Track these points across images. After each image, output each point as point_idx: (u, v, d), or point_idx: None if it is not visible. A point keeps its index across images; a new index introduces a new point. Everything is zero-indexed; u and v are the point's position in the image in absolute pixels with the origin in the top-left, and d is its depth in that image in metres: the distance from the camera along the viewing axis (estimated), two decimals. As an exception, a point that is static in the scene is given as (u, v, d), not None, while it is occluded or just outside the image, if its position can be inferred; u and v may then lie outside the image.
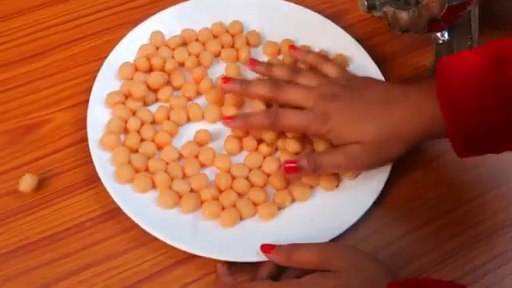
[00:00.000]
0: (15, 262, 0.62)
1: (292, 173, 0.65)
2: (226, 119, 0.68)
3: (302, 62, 0.74)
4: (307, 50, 0.75)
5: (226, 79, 0.70)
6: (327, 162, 0.65)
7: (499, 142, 0.61)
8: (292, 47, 0.75)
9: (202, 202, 0.65)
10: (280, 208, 0.66)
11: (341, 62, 0.75)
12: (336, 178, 0.68)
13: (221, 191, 0.66)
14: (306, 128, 0.66)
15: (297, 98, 0.67)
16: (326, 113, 0.65)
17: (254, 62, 0.72)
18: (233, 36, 0.78)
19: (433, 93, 0.61)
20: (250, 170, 0.68)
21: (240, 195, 0.66)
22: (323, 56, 0.74)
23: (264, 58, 0.77)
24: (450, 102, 0.60)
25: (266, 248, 0.61)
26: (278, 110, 0.67)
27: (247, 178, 0.67)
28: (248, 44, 0.78)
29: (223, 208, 0.65)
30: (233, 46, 0.78)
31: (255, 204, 0.66)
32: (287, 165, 0.65)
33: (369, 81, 0.70)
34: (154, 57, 0.74)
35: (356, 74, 0.72)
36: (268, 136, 0.69)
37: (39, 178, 0.66)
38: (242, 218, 0.65)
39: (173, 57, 0.75)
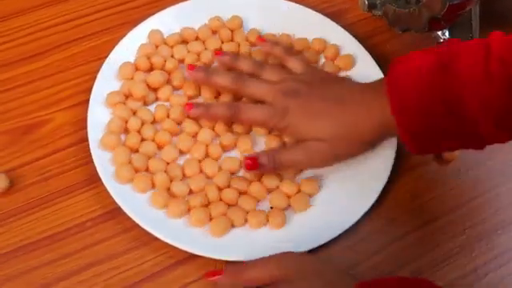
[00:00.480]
0: (16, 262, 0.62)
1: (252, 169, 0.66)
2: (188, 106, 0.69)
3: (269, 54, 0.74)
4: (274, 42, 0.75)
5: (191, 66, 0.71)
6: (287, 159, 0.66)
7: (448, 141, 0.61)
8: (259, 38, 0.75)
9: (189, 209, 0.65)
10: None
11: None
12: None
13: (210, 201, 0.66)
14: (265, 122, 0.67)
15: (258, 92, 0.68)
16: (285, 108, 0.66)
17: (219, 53, 0.73)
18: (232, 31, 0.78)
19: (385, 94, 0.61)
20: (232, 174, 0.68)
21: (230, 205, 0.66)
22: (289, 50, 0.74)
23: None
24: (398, 101, 0.60)
25: (209, 274, 0.60)
26: (239, 104, 0.69)
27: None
28: (247, 41, 0.78)
29: (211, 216, 0.65)
30: (232, 40, 0.77)
31: (246, 212, 0.66)
32: (247, 161, 0.65)
33: (331, 78, 0.71)
34: (154, 56, 0.74)
35: (321, 70, 0.73)
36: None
37: (10, 179, 0.66)
38: (233, 226, 0.65)
39: (172, 55, 0.75)
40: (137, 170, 0.66)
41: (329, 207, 0.67)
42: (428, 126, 0.60)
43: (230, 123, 0.70)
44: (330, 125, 0.65)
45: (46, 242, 0.63)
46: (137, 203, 0.64)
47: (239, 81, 0.69)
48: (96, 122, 0.69)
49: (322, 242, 0.64)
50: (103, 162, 0.66)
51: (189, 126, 0.70)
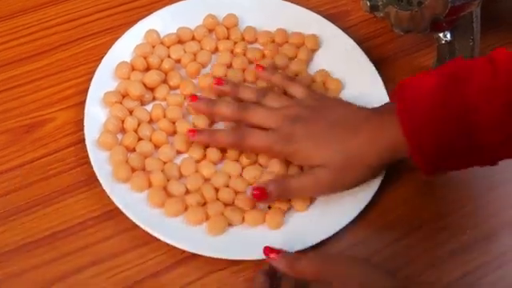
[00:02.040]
0: (17, 261, 0.62)
1: (261, 199, 0.65)
2: (191, 132, 0.68)
3: (269, 83, 0.73)
4: (274, 70, 0.74)
5: (193, 97, 0.70)
6: (295, 186, 0.65)
7: (460, 160, 0.62)
8: (259, 66, 0.74)
9: (186, 207, 0.65)
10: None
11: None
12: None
13: (206, 200, 0.66)
14: (269, 149, 0.66)
15: (262, 119, 0.67)
16: (290, 134, 0.65)
17: (220, 81, 0.71)
18: (228, 29, 0.78)
19: (393, 115, 0.61)
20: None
21: (226, 204, 0.66)
22: (289, 77, 0.73)
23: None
24: (410, 123, 0.60)
25: (268, 251, 0.60)
26: (244, 130, 0.67)
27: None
28: (244, 40, 0.78)
29: (207, 216, 0.65)
30: (228, 38, 0.77)
31: (243, 211, 0.66)
32: (256, 192, 0.64)
33: (336, 102, 0.70)
34: (151, 56, 0.74)
35: (324, 95, 0.72)
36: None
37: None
38: (230, 225, 0.65)
39: (169, 55, 0.75)
40: (134, 170, 0.66)
41: (325, 207, 0.67)
42: (441, 146, 0.60)
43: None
44: (337, 152, 0.64)
45: (47, 241, 0.63)
46: (134, 203, 0.64)
47: (243, 110, 0.68)
48: (93, 121, 0.69)
49: (318, 240, 0.64)
50: (100, 162, 0.66)
51: (185, 126, 0.70)
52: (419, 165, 0.62)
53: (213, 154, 0.68)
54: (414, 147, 0.61)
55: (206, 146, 0.68)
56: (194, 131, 0.68)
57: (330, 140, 0.65)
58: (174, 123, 0.70)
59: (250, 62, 0.76)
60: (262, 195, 0.64)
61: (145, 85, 0.72)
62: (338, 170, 0.64)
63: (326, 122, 0.66)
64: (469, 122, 0.58)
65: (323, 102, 0.69)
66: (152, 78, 0.72)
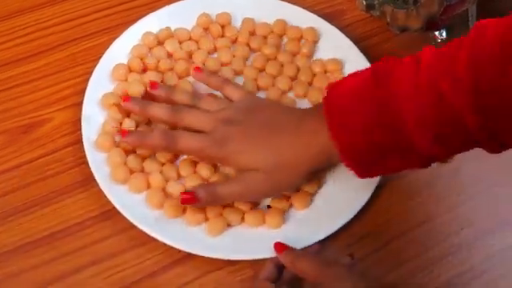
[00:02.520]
0: (16, 261, 0.62)
1: (189, 203, 0.64)
2: (123, 133, 0.66)
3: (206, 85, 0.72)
4: (211, 73, 0.73)
5: (126, 98, 0.68)
6: (224, 192, 0.64)
7: (387, 162, 0.60)
8: (197, 69, 0.72)
9: (185, 208, 0.65)
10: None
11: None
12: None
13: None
14: (202, 151, 0.65)
15: (195, 122, 0.66)
16: (223, 138, 0.64)
17: (154, 86, 0.69)
18: (223, 27, 0.78)
19: (323, 120, 0.60)
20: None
21: (225, 205, 0.66)
22: (226, 79, 0.72)
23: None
24: (336, 124, 0.60)
25: (278, 247, 0.62)
26: (176, 133, 0.66)
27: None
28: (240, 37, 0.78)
29: (206, 216, 0.65)
30: (223, 36, 0.78)
31: (242, 211, 0.66)
32: (184, 196, 0.63)
33: (270, 105, 0.69)
34: (147, 57, 0.74)
35: (260, 98, 0.71)
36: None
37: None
38: (229, 225, 0.65)
39: (167, 55, 0.75)
40: (132, 171, 0.66)
41: (323, 207, 0.67)
42: (368, 145, 0.59)
43: None
44: (268, 155, 0.63)
45: (45, 241, 0.63)
46: (132, 204, 0.65)
47: (176, 112, 0.66)
48: (90, 122, 0.69)
49: (315, 241, 0.64)
50: (98, 162, 0.66)
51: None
52: (349, 167, 0.61)
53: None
54: (342, 149, 0.60)
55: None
56: (125, 132, 0.66)
57: (263, 144, 0.64)
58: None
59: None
60: (190, 200, 0.63)
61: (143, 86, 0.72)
62: (270, 175, 0.63)
63: (259, 125, 0.65)
64: (394, 121, 0.57)
65: (258, 105, 0.68)
66: (150, 78, 0.72)
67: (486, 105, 0.54)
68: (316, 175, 0.67)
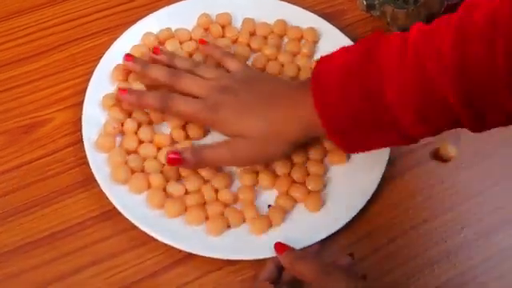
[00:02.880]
0: (16, 261, 0.62)
1: (175, 164, 0.65)
2: (121, 91, 0.69)
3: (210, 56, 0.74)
4: (215, 46, 0.75)
5: (128, 57, 0.71)
6: (210, 156, 0.65)
7: (371, 137, 0.61)
8: (201, 40, 0.75)
9: (186, 208, 0.65)
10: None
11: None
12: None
13: (206, 200, 0.66)
14: (194, 116, 0.67)
15: (191, 86, 0.67)
16: (217, 103, 0.65)
17: (157, 50, 0.72)
18: (223, 27, 0.78)
19: (310, 91, 0.61)
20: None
21: (226, 205, 0.66)
22: (228, 53, 0.74)
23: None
24: (320, 95, 0.60)
25: (278, 247, 0.62)
26: (171, 95, 0.67)
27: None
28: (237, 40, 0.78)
29: (207, 216, 0.65)
30: (224, 36, 0.78)
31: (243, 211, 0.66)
32: (171, 155, 0.65)
33: (267, 77, 0.71)
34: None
35: (257, 71, 0.73)
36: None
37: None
38: (230, 226, 0.65)
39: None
40: (132, 171, 0.66)
41: (324, 207, 0.67)
42: (350, 117, 0.59)
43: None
44: (257, 122, 0.64)
45: (46, 241, 0.63)
46: (133, 204, 0.65)
47: (174, 75, 0.69)
48: (91, 122, 0.69)
49: (319, 239, 0.64)
50: (98, 162, 0.66)
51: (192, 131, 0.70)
52: (333, 140, 0.61)
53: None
54: (326, 120, 0.60)
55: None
56: (125, 90, 0.69)
57: (254, 112, 0.65)
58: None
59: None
60: (176, 161, 0.65)
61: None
62: (257, 142, 0.64)
63: (253, 94, 0.66)
64: (377, 96, 0.57)
65: (254, 77, 0.70)
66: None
67: (471, 83, 0.54)
68: (296, 147, 0.67)
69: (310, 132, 0.64)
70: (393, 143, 0.62)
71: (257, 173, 0.68)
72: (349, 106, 0.59)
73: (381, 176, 0.68)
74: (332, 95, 0.59)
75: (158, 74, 0.69)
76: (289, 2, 0.81)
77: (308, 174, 0.68)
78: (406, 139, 0.60)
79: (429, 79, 0.55)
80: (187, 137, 0.70)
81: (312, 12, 0.80)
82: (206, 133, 0.70)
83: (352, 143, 0.62)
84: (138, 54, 0.74)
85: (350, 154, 0.64)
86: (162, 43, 0.76)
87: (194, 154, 0.65)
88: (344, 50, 0.62)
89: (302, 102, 0.62)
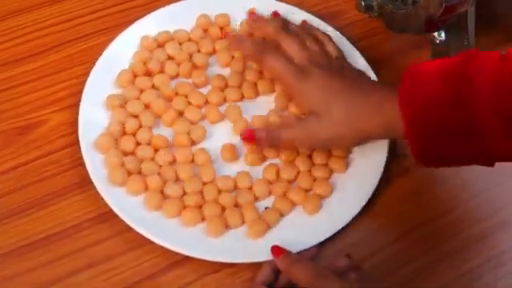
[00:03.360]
0: (11, 263, 0.62)
1: (249, 142, 0.67)
2: (224, 34, 0.74)
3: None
4: (317, 28, 0.76)
5: (252, 13, 0.76)
6: (286, 136, 0.66)
7: (450, 148, 0.59)
8: (304, 22, 0.77)
9: (184, 208, 0.65)
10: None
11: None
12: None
13: (204, 201, 0.66)
14: (282, 76, 0.68)
15: (292, 48, 0.69)
16: (307, 73, 0.66)
17: (252, 14, 0.76)
18: (221, 28, 0.77)
19: (397, 94, 0.61)
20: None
21: (224, 208, 0.66)
22: (328, 36, 0.75)
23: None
24: (407, 98, 0.60)
25: (275, 251, 0.62)
26: (269, 48, 0.69)
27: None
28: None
29: (203, 217, 0.64)
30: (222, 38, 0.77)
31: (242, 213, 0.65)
32: (246, 134, 0.66)
33: (357, 70, 0.71)
34: (150, 61, 0.74)
35: (351, 64, 0.73)
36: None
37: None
38: (229, 227, 0.65)
39: (168, 56, 0.75)
40: (129, 173, 0.66)
41: (323, 209, 0.67)
42: (436, 123, 0.58)
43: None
44: (341, 104, 0.64)
45: (42, 243, 0.63)
46: (130, 206, 0.64)
47: (281, 32, 0.70)
48: (87, 123, 0.68)
49: (317, 242, 0.64)
50: (95, 164, 0.66)
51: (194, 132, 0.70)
52: (411, 144, 0.60)
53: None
54: (408, 122, 0.59)
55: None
56: (226, 33, 0.74)
57: (341, 94, 0.65)
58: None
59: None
60: (250, 138, 0.66)
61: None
62: (332, 124, 0.64)
63: (342, 79, 0.66)
64: (469, 105, 0.57)
65: (348, 66, 0.71)
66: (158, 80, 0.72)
67: None
68: (368, 142, 0.68)
69: (388, 132, 0.64)
70: (469, 158, 0.60)
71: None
72: (435, 111, 0.58)
73: (379, 177, 0.68)
74: (418, 97, 0.59)
75: (268, 25, 0.72)
76: (287, 3, 0.80)
77: (315, 180, 0.68)
78: (485, 155, 0.59)
79: None
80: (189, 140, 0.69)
81: (310, 13, 0.80)
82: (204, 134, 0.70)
83: (428, 148, 0.60)
84: (138, 59, 0.73)
85: (426, 166, 0.62)
86: (160, 45, 0.75)
87: (269, 133, 0.66)
88: (438, 60, 0.61)
89: (385, 99, 0.62)
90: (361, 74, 0.70)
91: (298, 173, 0.68)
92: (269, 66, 0.69)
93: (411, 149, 0.60)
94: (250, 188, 0.67)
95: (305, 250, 0.64)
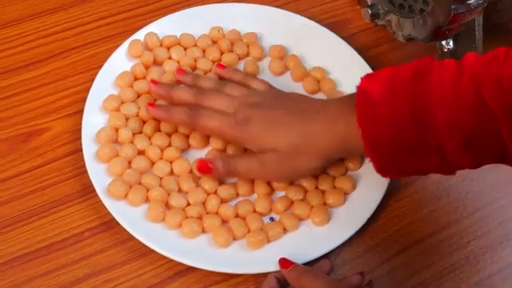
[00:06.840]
0: (13, 272, 0.61)
1: (205, 172, 0.65)
2: (149, 105, 0.68)
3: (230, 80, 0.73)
4: (236, 69, 0.74)
5: (154, 81, 0.70)
6: (242, 166, 0.65)
7: (410, 160, 0.59)
8: (219, 65, 0.74)
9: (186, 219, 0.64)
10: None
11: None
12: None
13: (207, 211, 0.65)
14: (222, 131, 0.66)
15: (220, 104, 0.66)
16: (245, 118, 0.64)
17: (181, 71, 0.72)
18: (232, 44, 0.77)
19: (351, 107, 0.59)
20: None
21: (224, 221, 0.65)
22: (251, 75, 0.73)
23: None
24: (364, 110, 0.58)
25: (283, 263, 0.61)
26: (200, 110, 0.66)
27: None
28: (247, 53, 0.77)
29: (203, 228, 0.64)
30: (232, 51, 0.77)
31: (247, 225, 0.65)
32: (201, 164, 0.65)
33: (295, 95, 0.69)
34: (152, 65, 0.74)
35: (284, 91, 0.71)
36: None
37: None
38: (235, 238, 0.64)
39: (170, 57, 0.75)
40: (130, 186, 0.65)
41: (330, 219, 0.66)
42: (394, 135, 0.57)
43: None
44: (290, 134, 0.63)
45: (43, 252, 0.63)
46: (132, 215, 0.64)
47: (201, 94, 0.67)
48: (90, 131, 0.68)
49: (322, 253, 0.64)
50: (98, 172, 0.65)
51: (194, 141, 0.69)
52: (372, 160, 0.59)
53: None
54: (367, 140, 0.58)
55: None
56: (153, 104, 0.69)
57: (286, 125, 0.64)
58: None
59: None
60: (205, 169, 0.65)
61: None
62: (287, 156, 0.63)
63: (283, 110, 0.65)
64: (426, 118, 0.56)
65: (285, 95, 0.69)
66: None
67: None
68: (330, 164, 0.67)
69: (345, 148, 0.62)
70: (430, 169, 0.59)
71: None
72: (395, 125, 0.57)
73: (385, 189, 0.67)
74: (378, 111, 0.58)
75: (185, 94, 0.68)
76: (292, 12, 0.80)
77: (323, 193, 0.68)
78: (445, 167, 0.58)
79: (484, 106, 0.54)
80: (188, 146, 0.69)
81: (316, 22, 0.79)
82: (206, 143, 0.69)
83: (388, 163, 0.59)
84: (138, 70, 0.73)
85: (385, 177, 0.62)
86: (165, 45, 0.75)
87: (225, 163, 0.65)
88: (392, 69, 0.60)
89: (342, 117, 0.61)
90: (299, 96, 0.69)
91: (306, 192, 0.68)
92: (205, 126, 0.66)
93: (371, 161, 0.60)
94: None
95: (317, 264, 0.63)
